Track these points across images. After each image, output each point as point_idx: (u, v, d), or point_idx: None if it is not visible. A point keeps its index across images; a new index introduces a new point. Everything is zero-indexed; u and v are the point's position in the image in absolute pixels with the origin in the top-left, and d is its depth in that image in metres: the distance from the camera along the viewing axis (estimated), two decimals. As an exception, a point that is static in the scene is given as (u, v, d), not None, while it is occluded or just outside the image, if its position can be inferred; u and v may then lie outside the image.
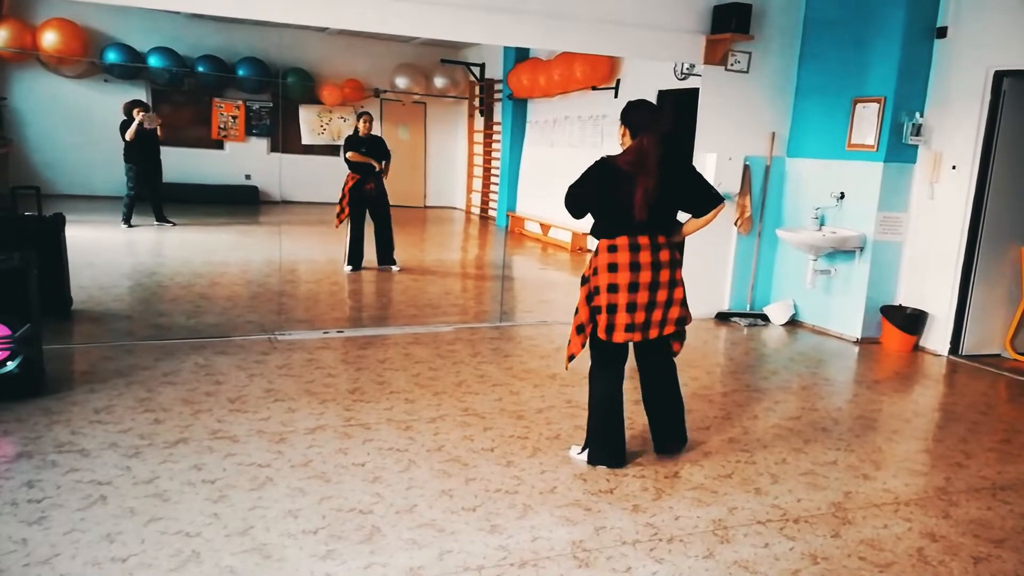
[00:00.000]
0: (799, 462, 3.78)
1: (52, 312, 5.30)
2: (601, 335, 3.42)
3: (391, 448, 3.64)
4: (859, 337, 6.28)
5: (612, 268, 3.36)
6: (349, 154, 8.04)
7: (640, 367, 3.68)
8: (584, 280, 3.49)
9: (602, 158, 3.44)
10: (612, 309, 3.37)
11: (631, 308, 3.37)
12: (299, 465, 3.40)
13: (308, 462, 3.43)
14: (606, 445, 3.55)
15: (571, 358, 3.57)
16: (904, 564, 2.88)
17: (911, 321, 6.07)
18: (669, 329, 3.49)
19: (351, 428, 3.85)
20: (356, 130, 8.10)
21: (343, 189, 8.08)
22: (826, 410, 4.59)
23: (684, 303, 3.50)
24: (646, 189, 3.29)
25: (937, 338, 6.06)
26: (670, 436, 3.72)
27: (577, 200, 3.46)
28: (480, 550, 2.79)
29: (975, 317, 5.94)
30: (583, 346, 3.51)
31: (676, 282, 3.47)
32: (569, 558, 2.77)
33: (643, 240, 3.37)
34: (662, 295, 3.42)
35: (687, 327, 3.64)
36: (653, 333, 3.45)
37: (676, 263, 3.47)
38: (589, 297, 3.43)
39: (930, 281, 6.08)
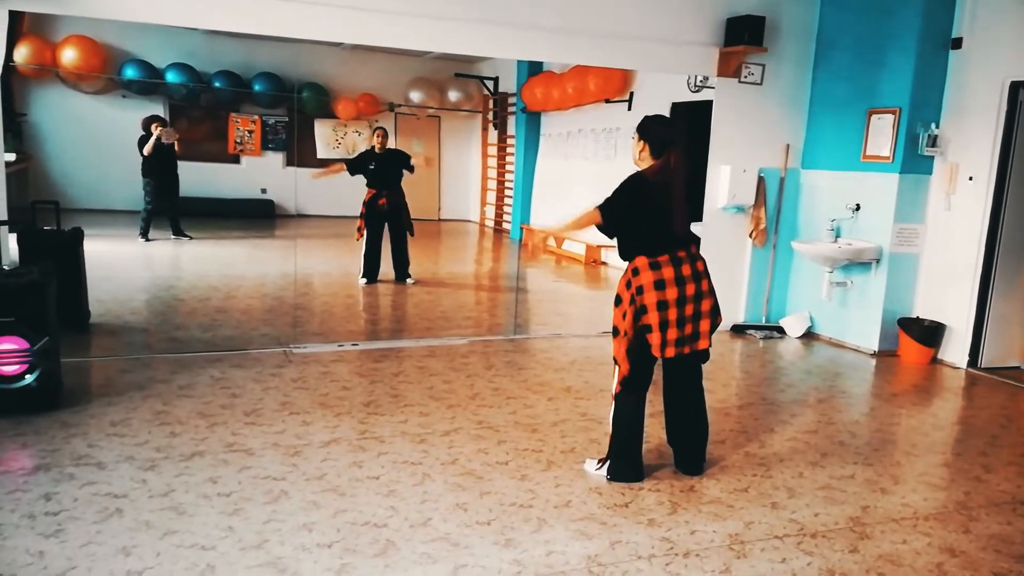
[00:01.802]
0: (816, 476, 3.74)
1: (70, 325, 5.35)
2: (656, 353, 3.38)
3: (405, 461, 3.64)
4: (876, 350, 6.22)
5: (660, 285, 3.32)
6: (336, 166, 8.10)
7: (669, 383, 3.65)
8: (618, 301, 3.43)
9: (636, 174, 3.40)
10: (664, 326, 3.34)
11: (681, 322, 3.36)
12: (314, 478, 3.40)
13: (323, 475, 3.44)
14: (629, 461, 3.54)
15: (624, 380, 3.46)
16: (924, 580, 2.85)
17: (929, 333, 6.02)
18: (706, 343, 3.48)
19: (366, 441, 3.86)
20: (372, 147, 8.12)
21: (363, 202, 8.13)
22: (843, 423, 4.55)
23: (718, 307, 3.53)
24: (681, 203, 3.32)
25: (955, 351, 5.99)
26: (688, 464, 3.69)
27: (615, 215, 3.38)
28: (495, 564, 2.78)
29: (994, 329, 5.87)
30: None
31: (713, 290, 3.49)
32: (584, 572, 2.76)
33: (682, 254, 3.37)
34: (705, 304, 3.43)
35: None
36: (702, 344, 3.45)
37: (708, 272, 3.49)
38: (636, 316, 3.37)
39: (948, 293, 6.03)
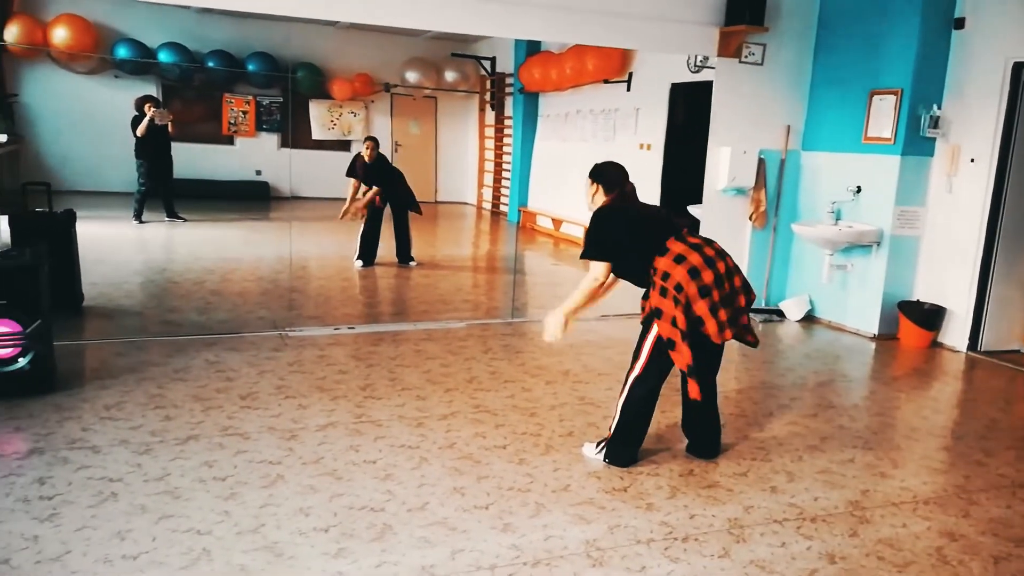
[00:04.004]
0: (815, 460, 3.72)
1: (63, 308, 5.31)
2: (716, 340, 3.34)
3: (403, 445, 3.61)
4: (876, 333, 6.20)
5: (694, 274, 3.26)
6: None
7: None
8: (659, 313, 3.31)
9: (607, 208, 3.48)
10: (714, 310, 3.30)
11: (726, 301, 3.35)
12: (310, 462, 3.37)
13: (319, 459, 3.41)
14: (629, 448, 3.53)
15: (690, 368, 3.34)
16: (923, 564, 2.83)
17: (929, 317, 5.99)
18: (747, 318, 3.49)
19: (362, 425, 3.83)
20: (359, 155, 8.05)
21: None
22: (843, 407, 4.54)
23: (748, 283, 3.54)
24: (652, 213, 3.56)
25: (955, 334, 5.97)
26: (705, 450, 3.68)
27: (607, 249, 3.44)
28: (493, 549, 2.75)
29: (994, 313, 5.85)
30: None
31: (738, 266, 3.49)
32: (583, 557, 2.74)
33: (694, 240, 3.41)
34: (737, 280, 3.44)
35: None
36: (745, 319, 3.47)
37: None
38: (687, 313, 3.27)
39: (948, 276, 5.99)
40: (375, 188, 7.97)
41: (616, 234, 3.44)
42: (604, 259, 3.42)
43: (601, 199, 3.53)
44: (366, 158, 7.96)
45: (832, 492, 3.39)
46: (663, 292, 3.29)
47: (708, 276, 3.29)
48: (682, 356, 3.29)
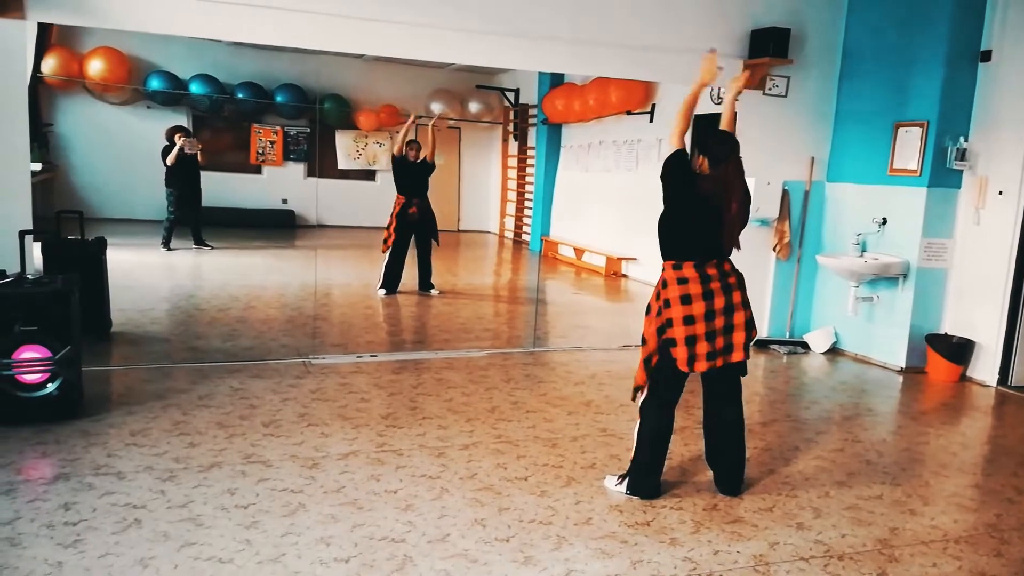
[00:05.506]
0: (843, 496, 3.66)
1: (92, 334, 5.37)
2: (683, 368, 3.33)
3: (424, 475, 3.60)
4: (903, 366, 6.11)
5: (686, 300, 3.30)
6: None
7: (707, 400, 3.59)
8: (648, 311, 3.45)
9: (702, 180, 3.33)
10: (692, 340, 3.30)
11: (711, 336, 3.32)
12: (331, 491, 3.37)
13: (340, 488, 3.41)
14: (650, 477, 3.50)
15: (638, 390, 3.49)
16: (956, 606, 2.76)
17: (958, 350, 5.89)
18: (741, 355, 3.41)
19: (384, 454, 3.83)
20: (404, 155, 8.12)
21: (391, 214, 8.14)
22: (870, 442, 4.46)
23: (753, 320, 3.48)
24: (727, 220, 3.30)
25: (985, 368, 5.86)
26: (726, 485, 3.62)
27: (676, 173, 3.37)
28: (514, 583, 2.73)
29: (1025, 346, 5.75)
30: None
31: (747, 302, 3.43)
32: (605, 593, 2.70)
33: (711, 271, 3.35)
34: (738, 317, 3.38)
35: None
36: (736, 356, 3.39)
37: (743, 284, 3.44)
38: (661, 330, 3.36)
39: (978, 309, 5.90)
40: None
41: (685, 195, 3.33)
42: (674, 157, 3.39)
43: (707, 170, 3.38)
44: (410, 157, 8.09)
45: (860, 529, 3.32)
46: (657, 296, 3.40)
47: (699, 308, 3.30)
48: (639, 373, 3.47)
